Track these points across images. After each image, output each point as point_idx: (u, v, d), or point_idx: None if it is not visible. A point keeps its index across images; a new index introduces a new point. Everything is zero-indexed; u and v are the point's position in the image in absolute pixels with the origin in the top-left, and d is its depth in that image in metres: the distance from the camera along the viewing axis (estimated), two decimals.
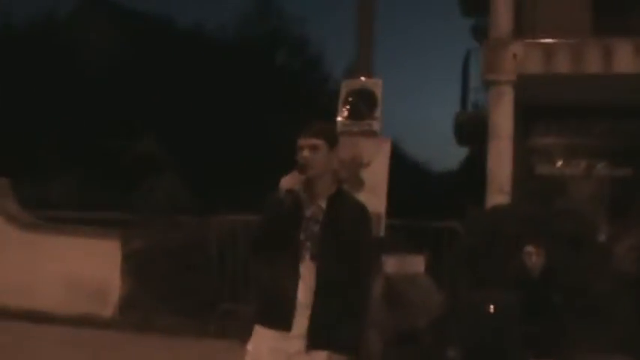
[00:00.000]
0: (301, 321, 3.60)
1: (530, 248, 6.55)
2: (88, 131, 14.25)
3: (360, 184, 6.66)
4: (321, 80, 20.27)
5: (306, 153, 3.59)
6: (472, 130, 13.67)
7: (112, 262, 9.91)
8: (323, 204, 3.64)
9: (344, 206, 3.67)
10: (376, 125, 6.78)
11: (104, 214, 10.34)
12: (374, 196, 6.62)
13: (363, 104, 6.80)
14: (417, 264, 8.02)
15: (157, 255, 9.80)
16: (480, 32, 15.13)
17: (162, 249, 9.81)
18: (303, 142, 3.62)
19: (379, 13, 7.35)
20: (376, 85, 6.83)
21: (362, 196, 6.17)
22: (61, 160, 12.93)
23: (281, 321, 3.62)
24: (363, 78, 6.98)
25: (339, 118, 6.96)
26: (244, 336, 9.61)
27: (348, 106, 6.87)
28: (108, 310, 9.87)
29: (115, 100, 14.82)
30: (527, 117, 11.12)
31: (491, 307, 5.54)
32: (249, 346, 3.75)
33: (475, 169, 13.94)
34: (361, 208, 3.74)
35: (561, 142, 12.48)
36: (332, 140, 3.69)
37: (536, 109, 11.41)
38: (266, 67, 18.43)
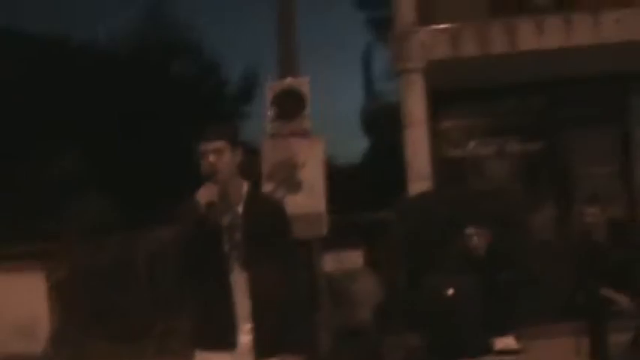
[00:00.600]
0: (245, 335, 3.47)
1: (471, 230, 6.64)
2: None
3: (297, 185, 6.60)
4: (219, 85, 20.02)
5: (211, 158, 3.43)
6: (381, 120, 13.83)
7: (38, 296, 9.50)
8: (239, 208, 3.50)
9: (260, 207, 3.55)
10: (307, 124, 6.72)
11: (24, 246, 9.85)
12: (312, 196, 6.60)
13: (291, 104, 6.72)
14: (355, 259, 8.05)
15: (84, 280, 9.48)
16: (377, 24, 15.32)
17: (89, 273, 9.49)
18: (205, 146, 3.45)
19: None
20: (303, 83, 6.78)
21: (300, 198, 6.13)
22: None
23: (224, 341, 3.46)
24: (288, 78, 6.92)
25: (267, 121, 6.86)
26: (184, 352, 9.45)
27: (275, 108, 6.77)
28: (39, 346, 9.44)
29: (18, 121, 14.18)
30: (435, 102, 11.25)
31: (450, 290, 5.58)
32: None
33: (387, 159, 14.14)
34: (277, 205, 3.72)
35: (470, 123, 12.75)
36: (234, 140, 3.55)
37: (443, 94, 11.57)
38: (162, 77, 18.10)
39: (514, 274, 6.68)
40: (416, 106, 10.52)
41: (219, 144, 3.45)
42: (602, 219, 6.89)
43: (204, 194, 3.36)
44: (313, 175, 6.65)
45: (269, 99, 6.79)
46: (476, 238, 6.62)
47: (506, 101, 12.51)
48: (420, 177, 10.33)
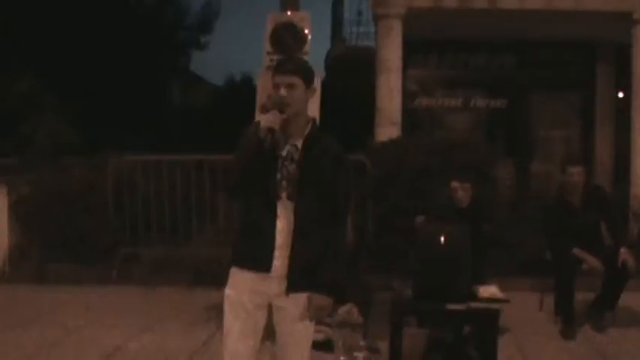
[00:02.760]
0: (281, 262, 3.56)
1: (455, 184, 6.73)
2: None
3: None
4: (178, 13, 19.57)
5: (283, 91, 3.49)
6: (349, 64, 13.78)
7: None
8: (299, 143, 3.57)
9: (320, 145, 3.62)
10: (305, 60, 6.61)
11: None
12: None
13: (292, 38, 6.61)
14: None
15: (49, 200, 9.23)
16: None
17: (54, 194, 9.25)
18: (280, 79, 3.52)
19: None
20: (304, 18, 6.66)
21: None
22: None
23: (260, 262, 3.56)
24: (289, 12, 6.78)
25: (264, 53, 6.73)
26: (147, 280, 9.37)
27: (275, 41, 6.65)
28: None
29: None
30: (407, 50, 11.25)
31: (442, 237, 5.66)
32: (228, 290, 3.67)
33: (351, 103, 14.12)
34: (337, 147, 3.69)
35: (439, 74, 12.86)
36: (309, 78, 3.60)
37: (415, 43, 11.60)
38: (121, 3, 17.54)
39: (490, 226, 6.84)
40: (392, 52, 10.55)
41: (293, 79, 3.51)
42: (584, 178, 7.05)
43: (268, 119, 3.44)
44: (309, 110, 6.56)
45: (268, 30, 6.66)
46: (460, 191, 6.71)
47: (477, 57, 12.68)
48: (390, 123, 10.41)
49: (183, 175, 9.23)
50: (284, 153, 3.55)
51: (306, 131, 3.60)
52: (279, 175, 3.54)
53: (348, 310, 6.34)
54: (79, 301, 8.12)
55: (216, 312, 6.85)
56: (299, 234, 3.54)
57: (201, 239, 9.14)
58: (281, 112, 3.46)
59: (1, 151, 9.99)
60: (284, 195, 3.54)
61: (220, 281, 3.77)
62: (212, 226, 9.21)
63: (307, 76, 3.58)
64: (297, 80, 3.52)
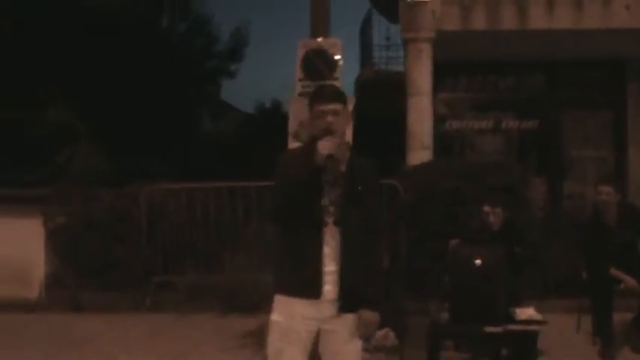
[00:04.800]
0: (330, 286, 3.59)
1: (487, 208, 6.69)
2: None
3: None
4: (208, 42, 19.77)
5: (330, 118, 3.58)
6: (378, 88, 13.81)
7: (34, 241, 9.34)
8: (342, 167, 3.59)
9: (360, 168, 3.68)
10: (337, 86, 6.66)
11: (21, 190, 9.65)
12: None
13: (323, 65, 6.67)
14: None
15: (83, 229, 9.34)
16: None
17: (88, 223, 9.35)
18: (324, 107, 3.61)
19: None
20: (335, 45, 6.72)
21: None
22: None
23: (310, 289, 3.58)
24: (319, 38, 6.85)
25: (296, 79, 6.79)
26: (181, 307, 9.38)
27: (306, 67, 6.71)
28: (33, 292, 9.32)
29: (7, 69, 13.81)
30: (437, 73, 11.26)
31: (478, 260, 5.64)
32: (275, 317, 3.68)
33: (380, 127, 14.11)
34: (373, 166, 3.78)
35: (469, 97, 12.84)
36: (346, 103, 3.73)
37: (443, 66, 11.60)
38: (151, 31, 17.77)
39: (524, 248, 6.78)
40: (422, 75, 10.55)
41: (337, 106, 3.63)
42: (616, 198, 6.99)
43: (327, 146, 3.48)
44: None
45: (299, 57, 6.72)
46: (492, 216, 6.67)
47: (507, 78, 12.66)
48: (421, 146, 10.39)
49: (215, 203, 9.28)
50: (328, 179, 3.59)
51: (348, 155, 3.64)
52: (325, 201, 3.59)
53: (385, 335, 6.31)
54: (114, 329, 8.19)
55: (250, 339, 6.86)
56: (346, 257, 3.59)
57: (234, 266, 9.16)
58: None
59: (36, 180, 10.11)
60: (330, 220, 3.58)
61: (254, 308, 3.78)
62: (245, 253, 9.23)
63: (345, 101, 3.72)
64: (340, 106, 3.64)
